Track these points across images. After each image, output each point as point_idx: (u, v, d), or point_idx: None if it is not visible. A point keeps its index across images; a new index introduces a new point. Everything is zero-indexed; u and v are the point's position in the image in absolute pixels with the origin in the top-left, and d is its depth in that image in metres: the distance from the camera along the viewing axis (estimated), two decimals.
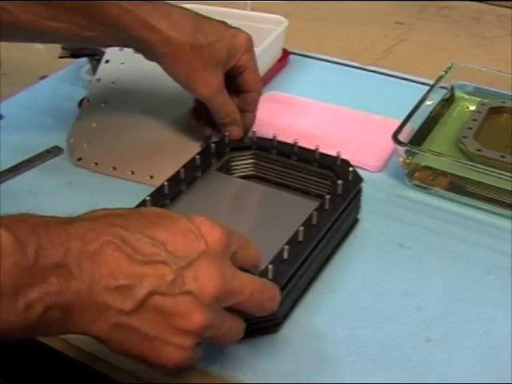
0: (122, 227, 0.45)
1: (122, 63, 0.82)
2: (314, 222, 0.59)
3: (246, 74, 0.70)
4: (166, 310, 0.44)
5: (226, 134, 0.70)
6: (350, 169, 0.65)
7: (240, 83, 0.71)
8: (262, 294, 0.49)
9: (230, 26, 0.70)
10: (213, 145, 0.70)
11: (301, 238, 0.57)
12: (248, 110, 0.73)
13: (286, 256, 0.55)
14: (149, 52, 0.68)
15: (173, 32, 0.66)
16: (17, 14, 0.64)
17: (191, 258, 0.44)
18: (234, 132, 0.71)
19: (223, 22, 0.70)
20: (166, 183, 0.63)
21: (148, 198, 0.61)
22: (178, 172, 0.65)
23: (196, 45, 0.66)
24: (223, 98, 0.69)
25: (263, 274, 0.54)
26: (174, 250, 0.44)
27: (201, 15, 0.70)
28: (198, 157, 0.67)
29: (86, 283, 0.42)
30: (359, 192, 0.66)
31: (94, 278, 0.43)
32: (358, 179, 0.65)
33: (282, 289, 0.54)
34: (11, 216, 0.43)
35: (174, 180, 0.65)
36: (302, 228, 0.57)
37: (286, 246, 0.55)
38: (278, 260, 0.55)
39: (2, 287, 0.40)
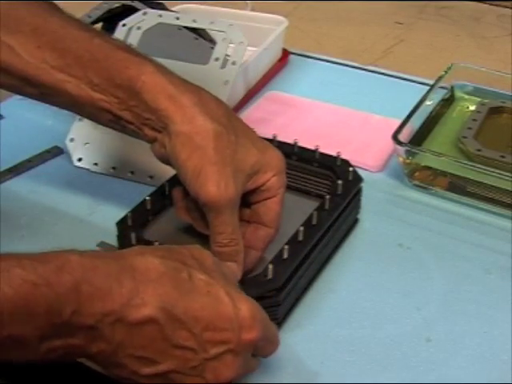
0: (169, 300, 0.43)
1: None
2: (314, 221, 0.59)
3: (271, 203, 0.56)
4: (176, 381, 0.45)
5: None
6: (350, 169, 0.65)
7: (258, 212, 0.57)
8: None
9: (269, 144, 0.59)
10: None
11: (301, 238, 0.57)
12: (255, 247, 0.57)
13: (285, 256, 0.55)
14: (154, 129, 0.54)
15: (198, 110, 0.53)
16: (25, 59, 0.55)
17: (219, 352, 0.45)
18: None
19: (254, 133, 0.58)
20: (166, 183, 0.63)
21: (148, 197, 0.61)
22: None
23: (222, 135, 0.53)
24: (231, 218, 0.53)
25: (263, 273, 0.54)
26: (208, 340, 0.44)
27: (238, 116, 0.58)
28: None
29: (113, 346, 0.43)
30: (359, 192, 0.66)
31: (123, 344, 0.43)
32: (358, 179, 0.65)
33: (282, 289, 0.54)
34: (59, 259, 0.42)
35: (174, 180, 0.65)
36: (301, 228, 0.57)
37: (286, 246, 0.56)
38: (277, 260, 0.55)
39: (28, 338, 0.40)
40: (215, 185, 0.52)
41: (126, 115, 0.55)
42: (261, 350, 0.49)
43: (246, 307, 0.45)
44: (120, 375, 0.45)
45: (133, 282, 0.43)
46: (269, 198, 0.56)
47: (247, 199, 0.57)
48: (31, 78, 0.56)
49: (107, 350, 0.43)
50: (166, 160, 0.55)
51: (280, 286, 0.54)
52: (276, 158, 0.57)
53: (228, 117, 0.55)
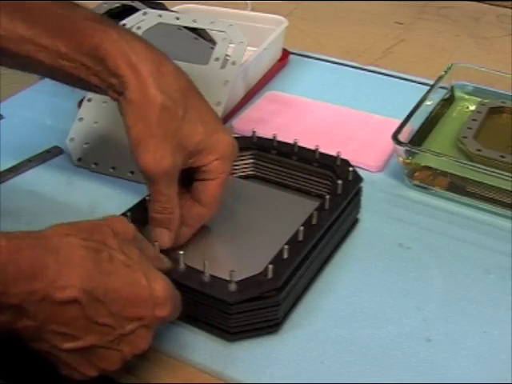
0: (90, 282, 0.46)
1: None
2: (314, 221, 0.59)
3: (210, 184, 0.58)
4: (96, 354, 0.48)
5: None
6: (350, 169, 0.65)
7: (197, 190, 0.59)
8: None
9: (223, 127, 0.60)
10: None
11: (301, 238, 0.57)
12: (186, 223, 0.59)
13: (285, 255, 0.55)
14: (117, 92, 0.57)
15: (153, 81, 0.55)
16: None
17: (134, 328, 0.48)
18: (162, 237, 0.57)
19: (217, 117, 0.60)
20: None
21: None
22: None
23: (169, 109, 0.55)
24: (168, 189, 0.56)
25: (263, 273, 0.54)
26: (125, 317, 0.48)
27: (198, 93, 0.59)
28: None
29: (37, 323, 0.45)
30: (359, 192, 0.66)
31: (46, 321, 0.45)
32: (358, 179, 0.65)
33: (282, 288, 0.54)
34: None
35: None
36: (301, 228, 0.57)
37: (286, 246, 0.56)
38: (277, 259, 0.55)
39: None
40: (151, 156, 0.54)
41: (94, 80, 0.58)
42: (168, 320, 0.52)
43: (159, 287, 0.49)
44: (41, 349, 0.47)
45: (56, 265, 0.45)
46: (209, 180, 0.58)
47: (191, 175, 0.58)
48: (6, 50, 0.58)
49: (32, 326, 0.45)
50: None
51: (280, 286, 0.54)
52: (224, 142, 0.58)
53: (183, 91, 0.56)
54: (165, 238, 0.57)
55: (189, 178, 0.59)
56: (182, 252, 0.55)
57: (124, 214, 0.60)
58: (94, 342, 0.47)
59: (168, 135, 0.55)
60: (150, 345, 0.50)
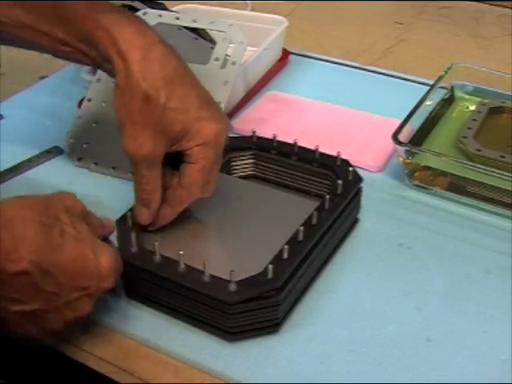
0: (42, 255, 0.50)
1: None
2: (314, 221, 0.59)
3: (191, 168, 0.59)
4: (41, 317, 0.52)
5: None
6: (350, 169, 0.65)
7: (181, 172, 0.60)
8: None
9: (217, 111, 0.60)
10: None
11: (301, 238, 0.57)
12: (169, 204, 0.61)
13: (285, 255, 0.55)
14: (112, 75, 0.59)
15: (137, 68, 0.56)
16: (2, 21, 0.62)
17: (79, 296, 0.52)
18: (140, 214, 0.60)
19: (207, 102, 0.60)
20: None
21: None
22: None
23: (149, 99, 0.56)
24: (148, 172, 0.58)
25: (263, 273, 0.54)
26: (71, 287, 0.51)
27: (191, 75, 0.60)
28: None
29: None
30: (359, 192, 0.66)
31: None
32: (358, 179, 0.65)
33: (282, 288, 0.54)
34: None
35: None
36: (301, 228, 0.57)
37: (286, 246, 0.55)
38: (277, 260, 0.55)
39: None
40: (132, 142, 0.57)
41: (92, 64, 0.63)
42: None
43: (105, 259, 0.53)
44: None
45: (11, 238, 0.49)
46: (191, 163, 0.59)
47: (180, 157, 0.60)
48: (12, 35, 0.62)
49: None
50: None
51: (280, 286, 0.54)
52: (208, 130, 0.58)
53: (169, 79, 0.57)
54: (143, 215, 0.60)
55: (179, 159, 0.60)
56: (182, 252, 0.55)
57: (124, 215, 0.60)
58: (39, 307, 0.51)
59: (149, 123, 0.57)
60: (92, 310, 0.54)
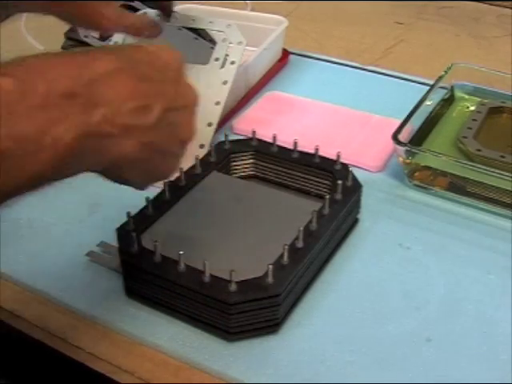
0: (123, 55, 0.46)
1: None
2: (313, 228, 0.59)
3: None
4: (176, 123, 0.48)
5: None
6: (350, 175, 0.65)
7: None
8: None
9: None
10: (212, 145, 0.70)
11: (300, 245, 0.57)
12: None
13: (286, 262, 0.55)
14: None
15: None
16: None
17: (179, 75, 0.49)
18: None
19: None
20: (166, 187, 0.63)
21: (149, 202, 0.61)
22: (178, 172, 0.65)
23: None
24: (127, 18, 0.69)
25: (264, 277, 0.54)
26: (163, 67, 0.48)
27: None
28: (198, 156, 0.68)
29: (109, 108, 0.43)
30: (358, 196, 0.66)
31: (115, 102, 0.43)
32: (358, 185, 0.65)
33: (282, 290, 0.54)
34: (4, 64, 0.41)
35: (174, 180, 0.65)
36: (301, 235, 0.57)
37: (287, 254, 0.56)
38: (278, 265, 0.55)
39: (22, 133, 0.39)
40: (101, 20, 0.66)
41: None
42: None
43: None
44: (146, 159, 0.47)
45: (87, 53, 0.44)
46: None
47: None
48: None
49: (108, 114, 0.43)
50: None
51: (280, 292, 0.54)
52: None
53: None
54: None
55: None
56: (182, 252, 0.55)
57: (126, 223, 0.60)
58: (166, 105, 0.46)
59: None
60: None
